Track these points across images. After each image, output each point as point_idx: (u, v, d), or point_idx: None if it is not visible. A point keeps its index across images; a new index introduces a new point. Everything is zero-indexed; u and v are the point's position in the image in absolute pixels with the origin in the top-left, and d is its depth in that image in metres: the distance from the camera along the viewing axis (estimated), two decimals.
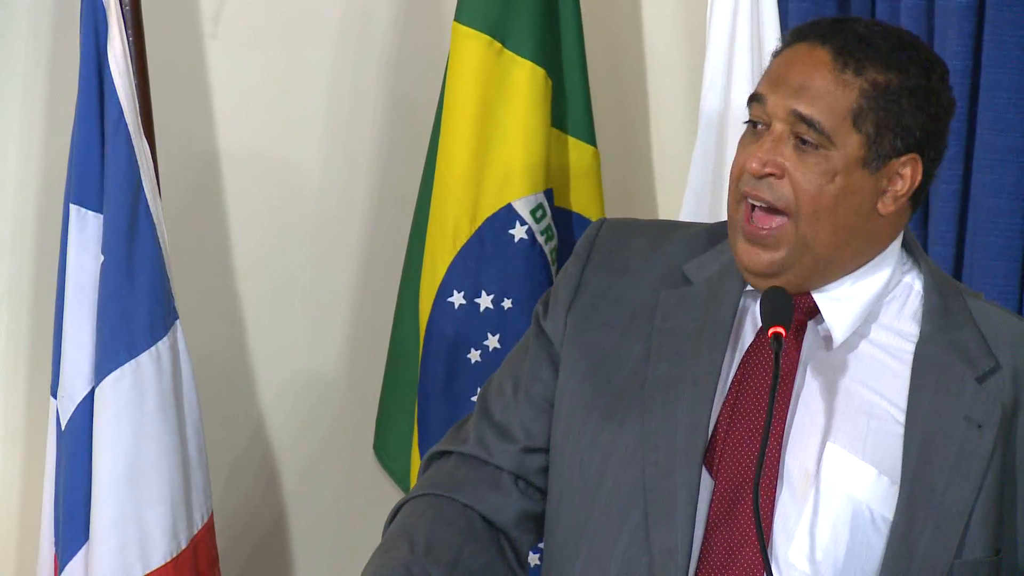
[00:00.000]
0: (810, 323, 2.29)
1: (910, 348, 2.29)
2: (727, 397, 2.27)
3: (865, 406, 2.26)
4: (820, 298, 2.28)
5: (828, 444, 2.23)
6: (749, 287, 2.31)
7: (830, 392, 2.26)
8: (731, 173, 2.28)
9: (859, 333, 2.29)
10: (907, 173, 2.26)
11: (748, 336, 2.31)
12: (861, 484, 2.23)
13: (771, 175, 2.23)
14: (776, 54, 2.30)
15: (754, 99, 2.26)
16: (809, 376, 2.27)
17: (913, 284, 2.34)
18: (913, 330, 2.30)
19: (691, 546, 2.20)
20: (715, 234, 2.39)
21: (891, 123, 2.24)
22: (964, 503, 2.22)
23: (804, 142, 2.22)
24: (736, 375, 2.27)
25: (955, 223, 2.94)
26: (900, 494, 2.21)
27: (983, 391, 2.26)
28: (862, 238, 2.27)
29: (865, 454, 2.24)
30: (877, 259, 2.29)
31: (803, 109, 2.22)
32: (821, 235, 2.24)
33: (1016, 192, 2.88)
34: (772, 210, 2.24)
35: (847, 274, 2.28)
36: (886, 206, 2.26)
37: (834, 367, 2.27)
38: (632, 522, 2.23)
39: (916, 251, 2.35)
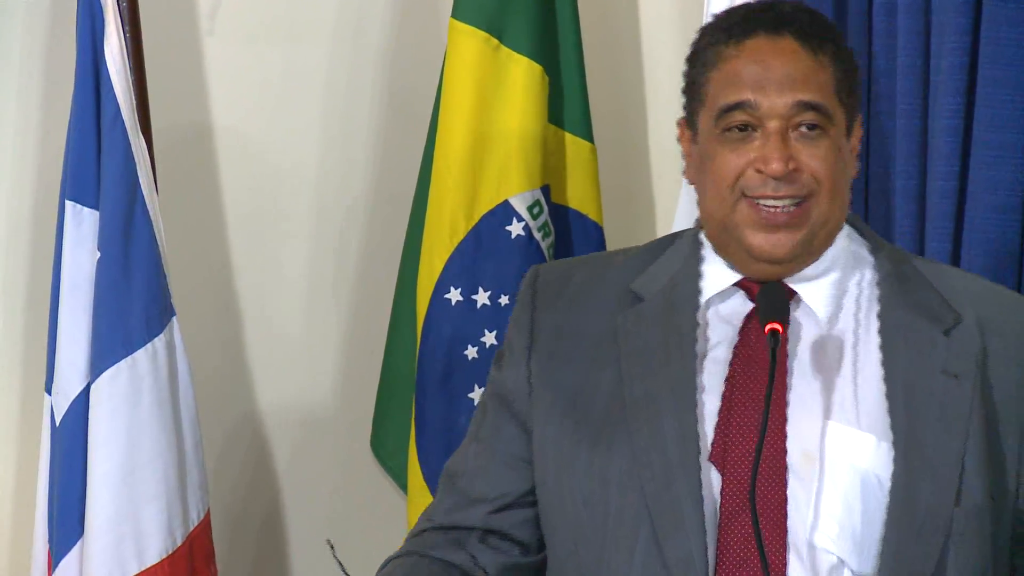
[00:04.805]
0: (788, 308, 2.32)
1: (874, 315, 2.32)
2: (723, 395, 2.28)
3: (849, 378, 2.29)
4: (795, 283, 2.32)
5: (828, 422, 2.26)
6: (711, 292, 2.33)
7: (816, 372, 2.28)
8: (723, 176, 2.28)
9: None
10: (856, 131, 2.35)
11: (716, 336, 2.32)
12: (864, 453, 2.25)
13: (793, 171, 2.25)
14: (715, 62, 2.31)
15: (738, 107, 2.27)
16: (797, 361, 2.29)
17: (860, 252, 2.38)
18: (873, 297, 2.34)
19: (706, 551, 2.21)
20: (655, 249, 2.43)
21: (852, 87, 2.33)
22: (955, 453, 2.24)
23: (811, 128, 2.26)
24: (729, 371, 2.28)
25: (952, 219, 2.93)
26: (895, 453, 2.24)
27: (953, 343, 2.29)
28: (847, 207, 2.34)
29: (860, 423, 2.27)
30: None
31: (806, 97, 2.27)
32: (833, 212, 2.30)
33: (1013, 188, 2.88)
34: (798, 201, 2.28)
35: (820, 256, 2.33)
36: (855, 168, 2.35)
37: (815, 347, 2.30)
38: (643, 541, 2.25)
39: (855, 221, 2.40)
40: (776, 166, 2.25)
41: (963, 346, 2.30)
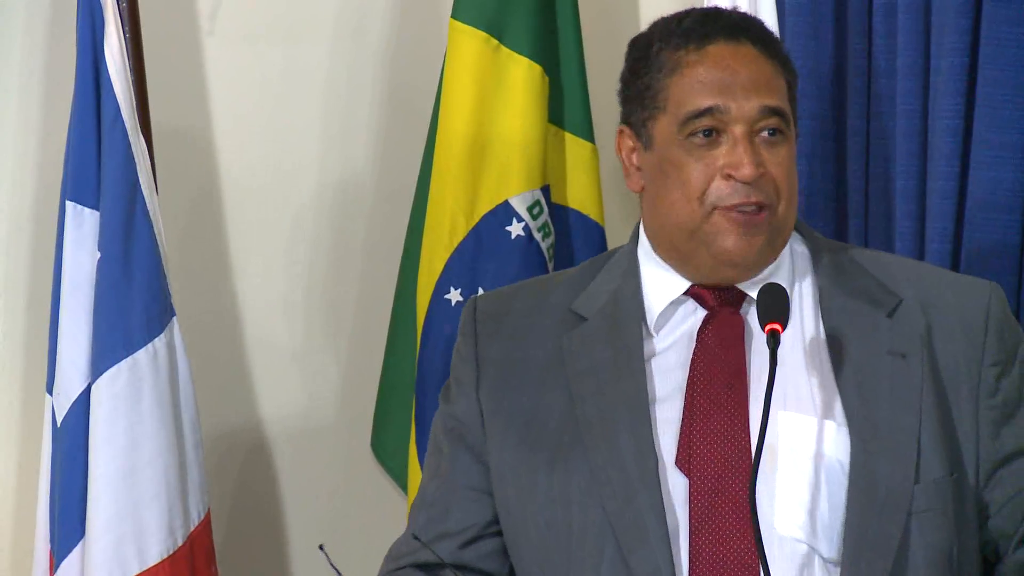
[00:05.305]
0: (742, 312, 2.35)
1: (818, 307, 2.36)
2: (684, 402, 2.30)
3: (802, 370, 2.32)
4: (745, 287, 2.36)
5: (780, 413, 2.28)
6: (659, 305, 2.35)
7: (770, 367, 2.29)
8: (693, 187, 2.30)
9: None
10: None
11: (666, 345, 2.35)
12: (823, 440, 2.28)
13: (761, 176, 2.27)
14: (675, 67, 2.33)
15: (707, 112, 2.29)
16: (754, 360, 2.32)
17: (801, 250, 2.42)
18: (813, 288, 2.38)
19: (672, 562, 2.23)
20: (590, 268, 2.46)
21: (795, 95, 2.37)
22: (910, 431, 2.27)
23: (772, 133, 2.28)
24: (689, 377, 2.31)
25: (952, 220, 2.94)
26: (850, 436, 2.26)
27: (896, 324, 2.33)
28: (796, 210, 2.38)
29: (817, 412, 2.29)
30: None
31: (771, 102, 2.31)
32: (789, 217, 2.35)
33: (1013, 189, 2.88)
34: (760, 208, 2.30)
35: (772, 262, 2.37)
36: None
37: (766, 344, 2.30)
38: (608, 558, 2.27)
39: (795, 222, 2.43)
40: (748, 171, 2.27)
41: (907, 326, 2.33)
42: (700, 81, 2.31)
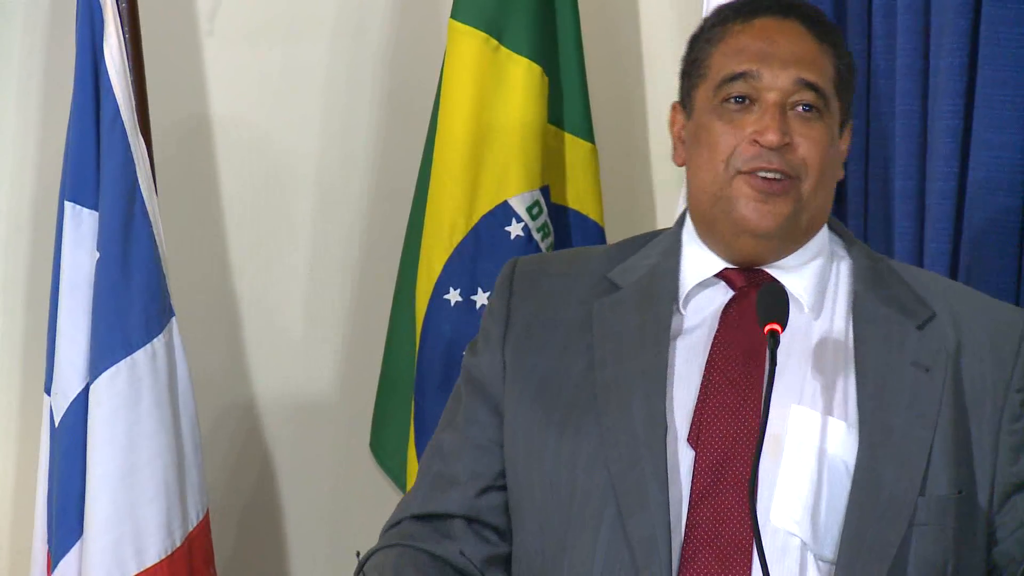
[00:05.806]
0: None
1: (849, 307, 2.36)
2: (702, 380, 2.30)
3: (823, 367, 2.31)
4: (776, 272, 2.36)
5: (794, 406, 2.28)
6: (691, 284, 2.36)
7: (794, 359, 2.30)
8: (719, 149, 2.32)
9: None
10: (846, 136, 2.39)
11: (693, 324, 2.35)
12: (833, 439, 2.28)
13: (785, 145, 2.27)
14: (720, 38, 2.35)
15: (740, 76, 2.31)
16: (778, 348, 2.29)
17: (837, 250, 2.42)
18: (848, 291, 2.38)
19: (670, 531, 2.22)
20: (634, 243, 2.47)
21: (849, 86, 2.36)
22: (923, 443, 2.26)
23: (807, 109, 2.29)
24: (708, 357, 2.31)
25: (951, 220, 2.93)
26: (860, 437, 2.26)
27: (925, 337, 2.32)
28: (831, 203, 2.37)
29: (832, 411, 2.29)
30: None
31: (809, 77, 2.31)
32: (817, 199, 2.33)
33: (1012, 189, 2.88)
34: (785, 176, 2.31)
35: (801, 245, 2.36)
36: (840, 170, 2.39)
37: (794, 335, 2.31)
38: (608, 520, 2.26)
39: (831, 222, 2.43)
40: (772, 137, 2.28)
41: (935, 341, 2.32)
42: (740, 48, 2.33)
